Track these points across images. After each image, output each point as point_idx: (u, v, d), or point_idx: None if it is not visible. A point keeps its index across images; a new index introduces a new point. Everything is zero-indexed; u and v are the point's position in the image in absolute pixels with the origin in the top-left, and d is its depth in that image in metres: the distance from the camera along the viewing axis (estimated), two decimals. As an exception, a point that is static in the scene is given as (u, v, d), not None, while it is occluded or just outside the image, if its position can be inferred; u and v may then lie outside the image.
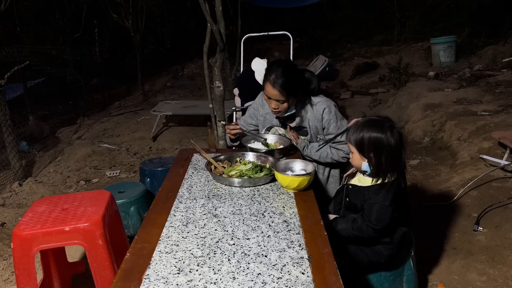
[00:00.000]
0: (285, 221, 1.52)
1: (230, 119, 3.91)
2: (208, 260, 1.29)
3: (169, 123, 6.11)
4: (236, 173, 1.92)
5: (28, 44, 7.32)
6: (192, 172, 2.02)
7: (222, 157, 2.09)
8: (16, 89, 5.74)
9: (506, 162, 3.25)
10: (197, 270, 1.24)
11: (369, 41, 11.26)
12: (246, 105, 3.57)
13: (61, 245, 1.93)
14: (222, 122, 2.98)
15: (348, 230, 1.78)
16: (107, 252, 1.84)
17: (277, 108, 2.21)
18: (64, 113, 6.76)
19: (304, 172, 1.81)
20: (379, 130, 1.70)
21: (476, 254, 2.53)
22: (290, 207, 1.64)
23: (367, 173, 1.78)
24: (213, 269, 1.24)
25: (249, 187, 1.83)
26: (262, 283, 1.18)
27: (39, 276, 2.12)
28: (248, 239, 1.40)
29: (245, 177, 1.87)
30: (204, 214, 1.58)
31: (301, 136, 2.34)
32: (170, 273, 1.23)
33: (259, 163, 2.03)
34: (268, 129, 2.39)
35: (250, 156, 2.10)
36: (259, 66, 3.41)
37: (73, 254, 2.80)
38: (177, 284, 1.18)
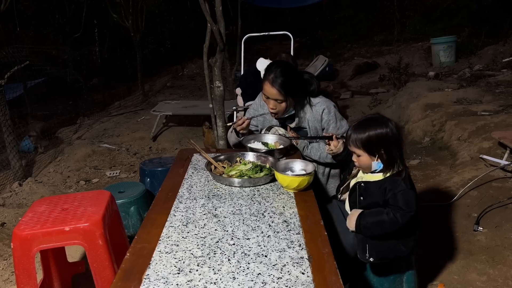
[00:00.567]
0: (285, 221, 1.52)
1: (230, 119, 3.91)
2: (208, 260, 1.29)
3: (169, 123, 6.11)
4: (236, 173, 1.92)
5: (28, 44, 7.32)
6: (192, 172, 2.02)
7: (222, 157, 2.09)
8: (16, 89, 5.75)
9: (506, 162, 3.25)
10: (197, 270, 1.24)
11: (369, 41, 11.26)
12: (247, 104, 3.58)
13: (61, 245, 1.93)
14: (228, 124, 2.97)
15: (381, 224, 1.71)
16: (107, 252, 1.84)
17: (274, 108, 2.20)
18: (64, 113, 6.76)
19: (304, 172, 1.81)
20: (382, 125, 1.71)
21: (476, 254, 2.53)
22: (290, 207, 1.64)
23: (377, 170, 1.78)
24: (213, 269, 1.24)
25: (249, 187, 1.83)
26: (262, 283, 1.18)
27: (39, 276, 2.12)
28: (248, 239, 1.40)
29: (245, 177, 1.87)
30: (204, 214, 1.58)
31: (301, 137, 2.34)
32: (170, 273, 1.23)
33: (259, 163, 2.03)
34: (268, 129, 2.39)
35: (250, 156, 2.10)
36: (264, 66, 3.43)
37: (73, 254, 2.80)
38: (177, 284, 1.18)
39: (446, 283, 2.37)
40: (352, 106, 6.57)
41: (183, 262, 1.28)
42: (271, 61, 3.30)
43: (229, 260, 1.28)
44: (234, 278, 1.20)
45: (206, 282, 1.18)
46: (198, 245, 1.37)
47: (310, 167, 1.82)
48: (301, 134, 2.35)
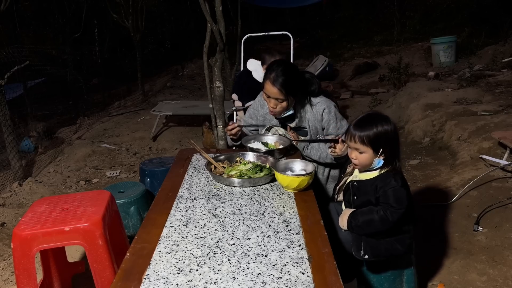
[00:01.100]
0: (285, 221, 1.52)
1: (230, 119, 3.91)
2: (208, 260, 1.29)
3: (169, 123, 6.11)
4: (236, 173, 1.92)
5: (28, 44, 7.32)
6: (192, 172, 2.02)
7: (222, 157, 2.09)
8: (16, 89, 5.74)
9: (506, 162, 3.25)
10: (197, 270, 1.24)
11: (369, 41, 11.26)
12: (246, 104, 3.57)
13: (61, 245, 1.93)
14: (220, 126, 2.97)
15: (371, 223, 1.72)
16: (107, 252, 1.84)
17: (275, 107, 2.20)
18: (64, 113, 6.76)
19: (304, 172, 1.81)
20: (385, 122, 1.72)
21: (476, 254, 2.53)
22: (290, 207, 1.64)
23: (375, 168, 1.78)
24: (213, 269, 1.24)
25: (249, 187, 1.83)
26: (262, 283, 1.18)
27: (39, 276, 2.12)
28: (248, 239, 1.40)
29: (245, 177, 1.87)
30: (204, 214, 1.58)
31: (301, 137, 2.34)
32: (170, 273, 1.23)
33: (259, 163, 2.03)
34: (268, 129, 2.39)
35: (250, 156, 2.10)
36: (255, 65, 3.43)
37: (73, 254, 2.80)
38: (177, 284, 1.18)
39: (446, 283, 2.37)
40: (352, 106, 6.57)
41: (183, 262, 1.28)
42: (260, 62, 3.31)
43: (229, 260, 1.28)
44: (234, 278, 1.20)
45: (206, 282, 1.18)
46: (198, 245, 1.37)
47: (310, 167, 1.82)
48: (301, 134, 2.35)
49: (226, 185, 1.86)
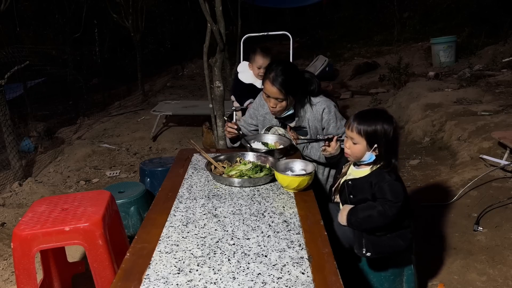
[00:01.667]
0: (285, 221, 1.52)
1: (230, 119, 3.91)
2: (208, 260, 1.29)
3: (169, 123, 6.11)
4: (236, 173, 1.92)
5: (28, 44, 7.33)
6: (192, 172, 2.02)
7: (222, 157, 2.09)
8: (16, 89, 5.75)
9: (506, 162, 3.25)
10: (197, 270, 1.24)
11: (369, 41, 11.26)
12: (246, 104, 3.58)
13: (61, 245, 1.93)
14: (225, 117, 2.98)
15: (370, 218, 1.73)
16: (107, 252, 1.84)
17: (275, 107, 2.21)
18: (64, 113, 6.76)
19: (304, 172, 1.81)
20: (388, 121, 1.74)
21: (476, 254, 2.53)
22: (290, 207, 1.64)
23: (365, 162, 1.79)
24: (213, 269, 1.24)
25: (249, 187, 1.83)
26: (262, 283, 1.18)
27: (39, 276, 2.12)
28: (248, 239, 1.40)
29: (245, 177, 1.87)
30: (204, 214, 1.58)
31: (301, 136, 2.34)
32: (170, 273, 1.23)
33: (259, 163, 2.03)
34: (268, 129, 2.39)
35: (250, 156, 2.10)
36: (243, 67, 3.46)
37: (73, 254, 2.80)
38: (177, 284, 1.18)
39: (446, 283, 2.37)
40: (352, 106, 6.57)
41: (183, 262, 1.28)
42: (248, 63, 3.33)
43: (229, 260, 1.28)
44: (234, 278, 1.20)
45: (206, 282, 1.18)
46: (198, 245, 1.37)
47: (310, 167, 1.82)
48: (301, 134, 2.35)
49: (226, 185, 1.86)
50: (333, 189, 2.00)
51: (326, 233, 1.43)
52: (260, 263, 1.27)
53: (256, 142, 2.29)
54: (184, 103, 6.32)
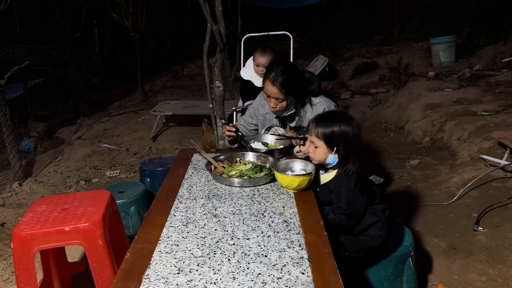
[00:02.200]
0: (285, 221, 1.52)
1: (230, 119, 3.91)
2: (208, 260, 1.29)
3: (169, 123, 6.11)
4: (236, 173, 1.92)
5: (28, 44, 7.32)
6: (192, 172, 2.02)
7: (222, 157, 2.09)
8: (16, 89, 5.74)
9: (506, 162, 3.25)
10: (197, 270, 1.24)
11: (369, 41, 11.25)
12: (246, 104, 3.58)
13: (61, 245, 1.93)
14: (222, 120, 2.98)
15: (331, 222, 1.76)
16: (107, 252, 1.84)
17: (275, 107, 2.21)
18: (64, 113, 6.75)
19: (304, 172, 1.81)
20: (346, 122, 1.74)
21: (476, 254, 2.53)
22: (290, 207, 1.64)
23: (330, 166, 1.79)
24: (213, 269, 1.24)
25: (249, 187, 1.83)
26: (262, 283, 1.18)
27: (39, 276, 2.12)
28: (248, 239, 1.40)
29: (245, 177, 1.87)
30: (204, 214, 1.58)
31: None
32: (170, 273, 1.23)
33: (259, 163, 2.03)
34: (268, 129, 2.40)
35: (250, 156, 2.10)
36: (247, 63, 3.48)
37: (73, 254, 2.80)
38: (177, 284, 1.18)
39: (446, 283, 2.37)
40: (352, 106, 6.57)
41: (183, 262, 1.28)
42: (252, 58, 3.33)
43: (229, 260, 1.28)
44: (234, 278, 1.20)
45: (206, 282, 1.18)
46: (198, 245, 1.37)
47: (310, 167, 1.82)
48: (301, 134, 2.35)
49: (226, 185, 1.86)
50: None
51: (326, 233, 1.43)
52: (260, 263, 1.27)
53: (256, 142, 2.29)
54: (184, 103, 6.32)
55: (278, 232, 1.44)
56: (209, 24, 2.96)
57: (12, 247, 1.79)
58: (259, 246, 1.36)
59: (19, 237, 1.77)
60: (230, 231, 1.45)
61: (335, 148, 1.73)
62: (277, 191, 1.79)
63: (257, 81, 3.19)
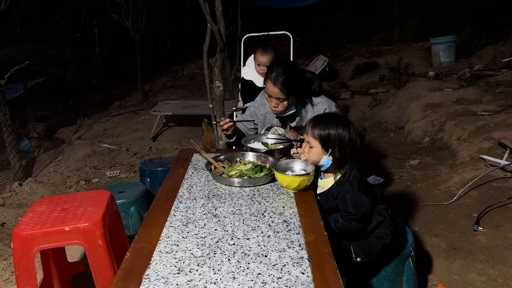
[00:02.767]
0: (285, 221, 1.52)
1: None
2: (208, 260, 1.29)
3: (169, 123, 6.11)
4: (236, 173, 1.92)
5: (28, 44, 7.32)
6: (192, 172, 2.02)
7: (222, 157, 2.09)
8: (16, 89, 5.74)
9: (506, 162, 3.25)
10: (197, 270, 1.24)
11: (369, 41, 11.26)
12: (246, 105, 3.58)
13: (61, 245, 1.93)
14: (214, 122, 2.98)
15: (340, 229, 1.76)
16: (107, 252, 1.84)
17: (276, 106, 2.21)
18: (64, 113, 6.76)
19: (304, 172, 1.81)
20: (343, 126, 1.73)
21: (476, 254, 2.53)
22: (290, 207, 1.64)
23: (323, 168, 1.79)
24: (213, 269, 1.24)
25: (249, 187, 1.83)
26: (262, 283, 1.18)
27: (39, 276, 2.12)
28: (248, 239, 1.40)
29: (245, 177, 1.87)
30: (204, 214, 1.58)
31: (300, 136, 2.34)
32: (170, 273, 1.23)
33: (259, 163, 2.03)
34: (268, 129, 2.39)
35: (250, 156, 2.10)
36: (248, 62, 3.48)
37: (73, 254, 2.80)
38: (177, 284, 1.18)
39: (446, 283, 2.37)
40: (352, 106, 6.57)
41: (183, 262, 1.28)
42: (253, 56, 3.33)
43: (229, 260, 1.28)
44: (234, 278, 1.20)
45: (206, 282, 1.18)
46: (198, 245, 1.37)
47: (310, 167, 1.82)
48: (301, 134, 2.35)
49: (226, 185, 1.86)
50: None
51: (326, 233, 1.43)
52: (260, 263, 1.27)
53: (256, 142, 2.29)
54: (184, 103, 6.32)
55: (278, 232, 1.44)
56: (209, 24, 2.96)
57: (12, 247, 1.79)
58: (259, 246, 1.36)
59: (19, 237, 1.77)
60: (230, 231, 1.45)
61: (330, 150, 1.73)
62: (277, 191, 1.79)
63: (258, 81, 3.19)
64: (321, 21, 13.50)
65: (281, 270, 1.23)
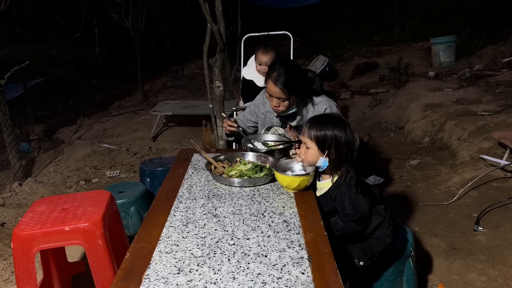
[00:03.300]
0: (285, 221, 1.52)
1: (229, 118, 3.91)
2: (208, 260, 1.29)
3: (169, 123, 6.11)
4: (236, 173, 1.92)
5: (28, 44, 7.32)
6: (192, 172, 2.02)
7: (222, 157, 2.09)
8: (16, 89, 5.74)
9: (506, 162, 3.25)
10: (197, 270, 1.24)
11: (369, 41, 11.26)
12: (246, 105, 3.58)
13: (61, 245, 1.93)
14: (223, 114, 2.97)
15: (341, 231, 1.76)
16: (107, 252, 1.84)
17: (278, 106, 2.21)
18: (64, 113, 6.75)
19: (304, 172, 1.81)
20: (340, 127, 1.72)
21: (476, 254, 2.53)
22: (290, 207, 1.64)
23: (320, 169, 1.79)
24: (213, 269, 1.24)
25: (249, 187, 1.83)
26: (262, 283, 1.18)
27: (39, 276, 2.12)
28: (248, 239, 1.40)
29: (245, 177, 1.87)
30: (204, 214, 1.58)
31: (301, 136, 2.34)
32: (170, 273, 1.23)
33: (259, 163, 2.03)
34: (268, 129, 2.39)
35: (250, 156, 2.10)
36: (249, 62, 3.48)
37: (73, 254, 2.80)
38: (177, 284, 1.18)
39: (446, 283, 2.37)
40: (352, 106, 6.57)
41: (183, 262, 1.28)
42: (254, 57, 3.34)
43: (229, 260, 1.28)
44: (234, 278, 1.20)
45: (206, 282, 1.18)
46: (198, 245, 1.37)
47: (310, 168, 1.82)
48: (301, 133, 2.35)
49: (226, 185, 1.86)
50: None
51: (326, 233, 1.43)
52: (260, 263, 1.27)
53: (256, 142, 2.29)
54: (184, 103, 6.32)
55: (278, 232, 1.44)
56: (209, 24, 2.96)
57: (12, 247, 1.79)
58: (259, 246, 1.36)
59: (19, 237, 1.77)
60: (230, 231, 1.45)
61: (326, 152, 1.72)
62: (277, 191, 1.79)
63: (259, 80, 3.19)
64: (321, 21, 13.51)
65: (281, 270, 1.23)
